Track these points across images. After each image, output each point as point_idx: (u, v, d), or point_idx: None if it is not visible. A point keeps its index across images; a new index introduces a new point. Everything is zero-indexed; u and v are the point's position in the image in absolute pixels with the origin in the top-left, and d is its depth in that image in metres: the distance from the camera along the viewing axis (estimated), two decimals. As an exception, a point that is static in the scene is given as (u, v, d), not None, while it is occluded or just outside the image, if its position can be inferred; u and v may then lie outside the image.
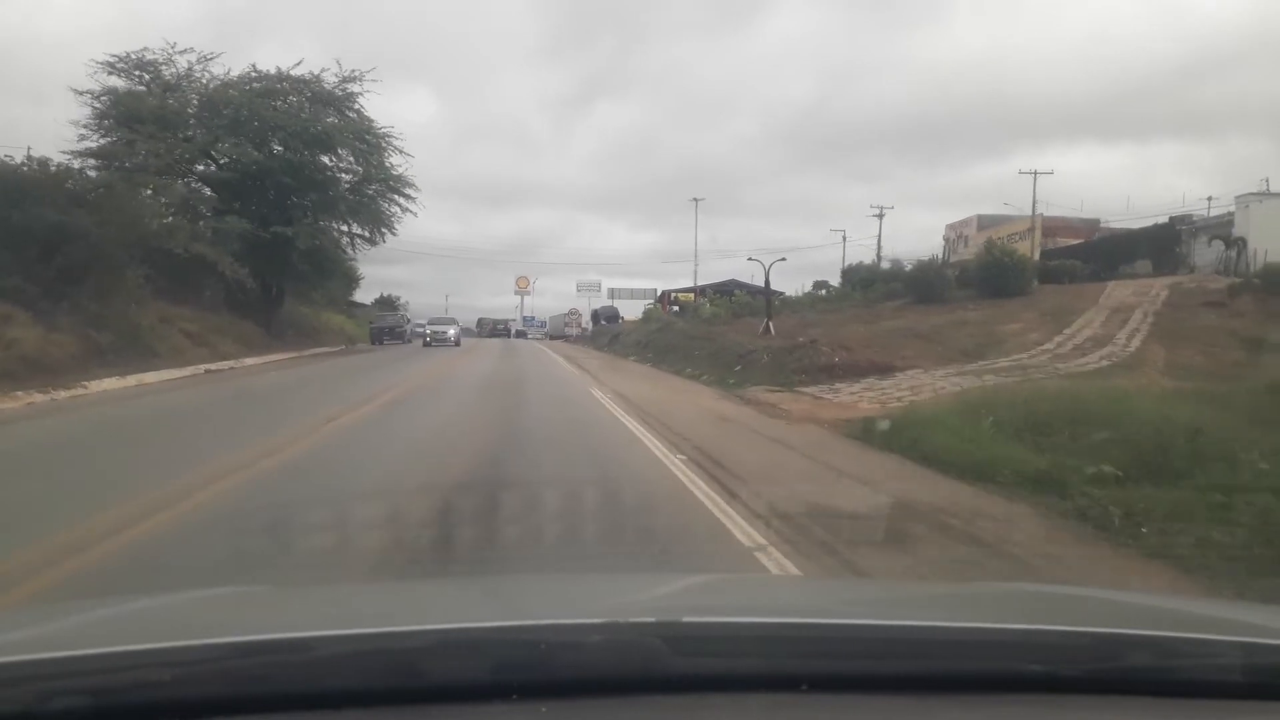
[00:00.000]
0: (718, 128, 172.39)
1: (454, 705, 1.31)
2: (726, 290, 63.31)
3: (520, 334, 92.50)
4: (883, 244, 69.23)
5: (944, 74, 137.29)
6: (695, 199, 74.21)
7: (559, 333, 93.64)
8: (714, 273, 71.21)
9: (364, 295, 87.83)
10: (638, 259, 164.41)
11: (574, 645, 1.40)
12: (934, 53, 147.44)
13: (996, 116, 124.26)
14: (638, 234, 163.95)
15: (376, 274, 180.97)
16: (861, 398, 14.66)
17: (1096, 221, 62.47)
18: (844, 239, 77.06)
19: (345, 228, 36.71)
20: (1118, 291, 33.58)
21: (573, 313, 77.30)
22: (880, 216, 77.11)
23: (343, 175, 35.82)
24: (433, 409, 14.14)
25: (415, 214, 37.40)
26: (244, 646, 1.38)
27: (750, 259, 36.20)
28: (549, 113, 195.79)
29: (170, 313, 25.49)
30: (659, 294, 75.41)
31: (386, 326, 46.96)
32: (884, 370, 17.16)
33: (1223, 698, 1.44)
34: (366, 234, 37.14)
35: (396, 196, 36.73)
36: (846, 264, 71.07)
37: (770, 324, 29.95)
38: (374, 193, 36.18)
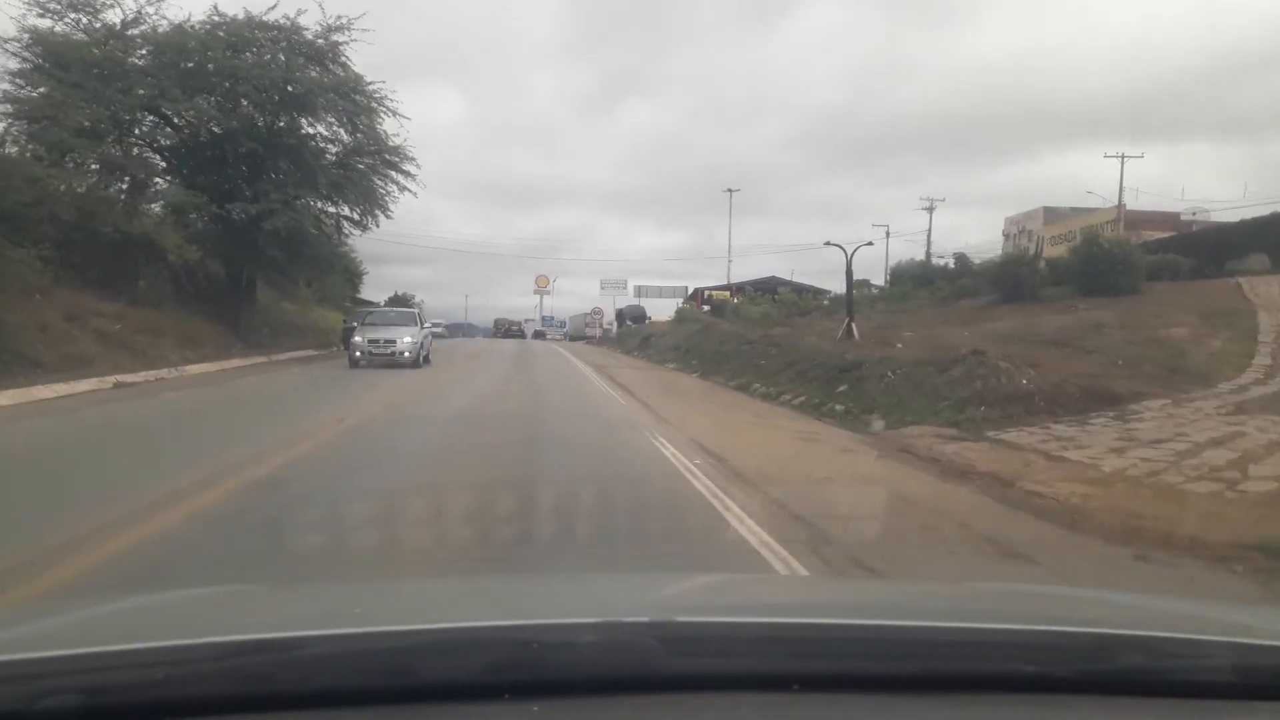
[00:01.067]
0: (744, 128, 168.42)
1: (446, 704, 1.30)
2: (767, 287, 57.13)
3: (539, 334, 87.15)
4: (914, 241, 63.06)
5: (973, 74, 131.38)
6: (730, 190, 67.92)
7: (579, 333, 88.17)
8: (739, 274, 65.18)
9: (377, 293, 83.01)
10: (661, 260, 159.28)
11: (567, 645, 1.39)
12: (963, 53, 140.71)
13: (1028, 116, 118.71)
14: (661, 235, 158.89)
15: (397, 274, 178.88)
16: (1148, 463, 8.42)
17: (1176, 215, 56.28)
18: (887, 234, 70.73)
19: (332, 208, 30.82)
20: (1264, 289, 27.60)
21: (595, 312, 71.19)
22: (930, 210, 71.29)
23: (327, 145, 29.94)
24: (354, 496, 7.06)
25: (415, 193, 31.44)
26: (237, 646, 1.35)
27: (828, 244, 30.12)
28: (574, 112, 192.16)
29: (86, 307, 19.69)
30: (689, 292, 69.21)
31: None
32: (1109, 401, 10.96)
33: (1214, 698, 1.43)
34: (356, 215, 31.23)
35: (392, 172, 30.83)
36: (895, 262, 65.39)
37: (853, 325, 23.79)
38: (365, 167, 30.29)
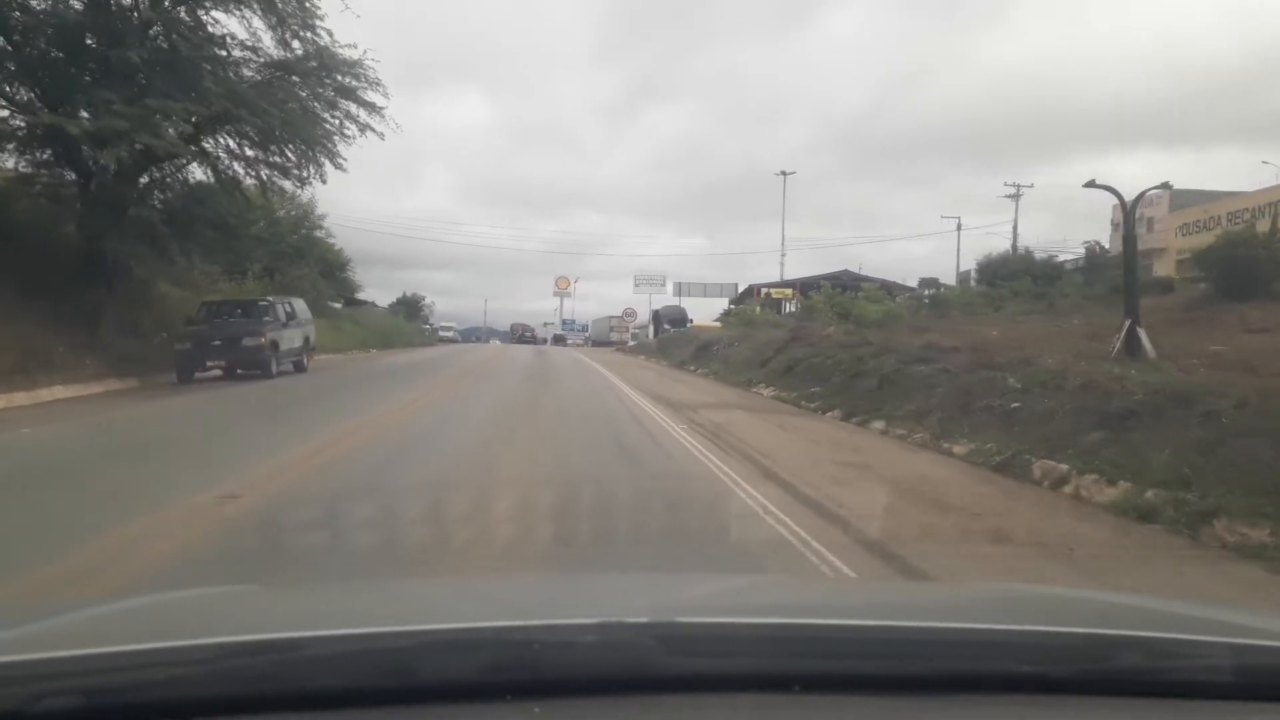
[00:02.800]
0: (769, 132, 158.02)
1: (447, 705, 1.29)
2: (840, 282, 46.25)
3: (559, 339, 77.99)
4: (988, 236, 52.65)
5: (1000, 77, 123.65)
6: (782, 173, 57.02)
7: (603, 339, 78.62)
8: (756, 277, 54.82)
9: (385, 295, 74.01)
10: (690, 264, 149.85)
11: (567, 645, 1.38)
12: (991, 55, 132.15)
13: (1055, 121, 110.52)
14: (687, 239, 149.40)
15: (416, 278, 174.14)
16: None
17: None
18: (959, 227, 59.71)
19: (250, 150, 20.33)
20: None
21: (627, 314, 60.35)
22: (1016, 196, 60.55)
23: (246, 55, 19.48)
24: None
25: (381, 135, 20.88)
26: (237, 646, 1.35)
27: (1092, 184, 18.71)
28: (599, 116, 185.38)
29: None
30: (738, 291, 58.41)
31: (211, 339, 19.24)
32: None
33: (1213, 699, 1.42)
34: (295, 162, 20.71)
35: (347, 102, 20.40)
36: (982, 257, 55.15)
37: (1140, 331, 13.04)
38: (304, 92, 19.88)
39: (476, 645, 1.38)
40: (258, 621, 1.70)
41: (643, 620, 1.49)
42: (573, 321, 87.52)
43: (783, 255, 57.63)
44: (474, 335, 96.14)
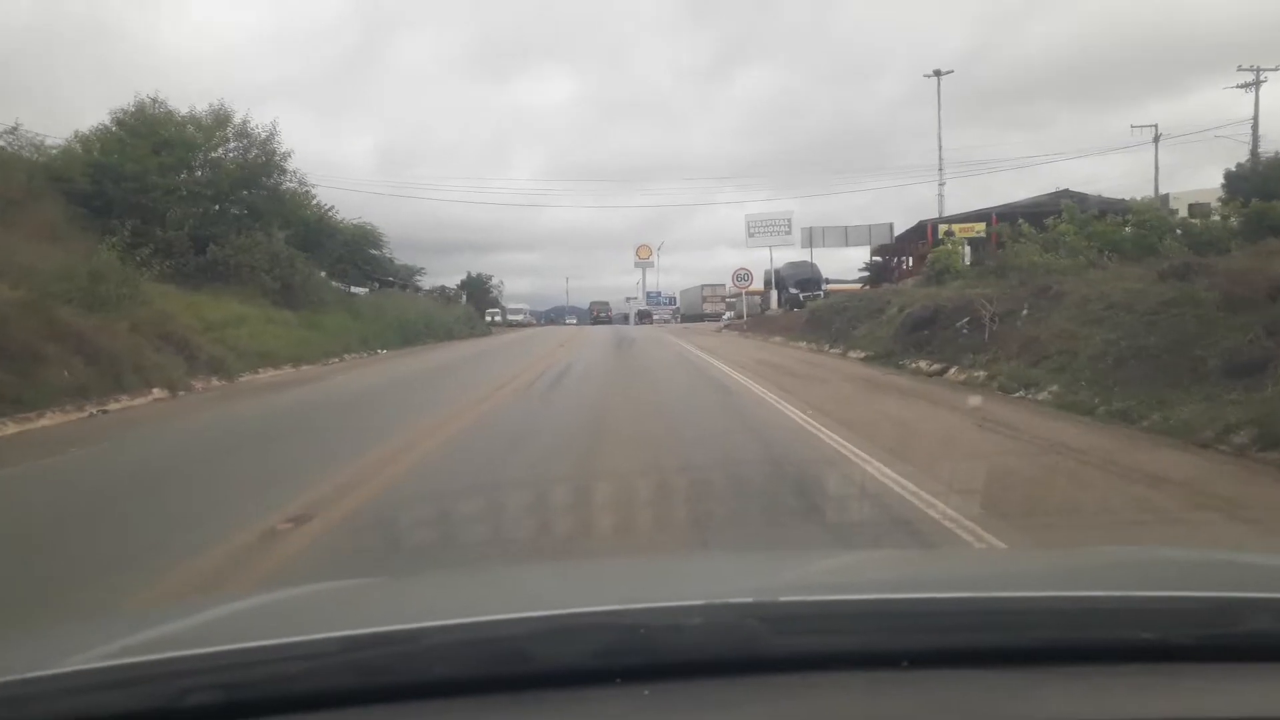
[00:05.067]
0: (863, 86, 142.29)
1: (560, 690, 1.30)
2: (1055, 207, 30.32)
3: (643, 316, 64.88)
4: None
5: (1108, 7, 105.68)
6: (937, 72, 41.24)
7: (696, 312, 64.94)
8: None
9: (452, 277, 63.32)
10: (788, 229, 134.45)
11: (673, 628, 1.37)
12: None
13: (1169, 49, 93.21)
14: (775, 205, 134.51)
15: (501, 260, 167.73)
16: None
17: None
18: (1156, 138, 42.64)
19: None
20: None
21: (742, 275, 44.99)
22: (1257, 84, 43.62)
23: None
24: None
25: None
26: (361, 639, 1.38)
27: None
28: (683, 83, 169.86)
29: None
30: (893, 235, 42.86)
31: None
32: None
33: None
34: None
35: None
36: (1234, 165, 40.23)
37: None
38: None
39: (586, 631, 1.38)
40: (380, 614, 1.74)
41: (747, 600, 1.48)
42: (658, 294, 75.36)
43: (941, 184, 41.81)
44: (554, 316, 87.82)
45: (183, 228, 23.19)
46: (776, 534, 5.27)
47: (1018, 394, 11.55)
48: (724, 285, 65.10)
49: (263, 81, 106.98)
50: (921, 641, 1.35)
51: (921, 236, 37.75)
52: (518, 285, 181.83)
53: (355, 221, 41.12)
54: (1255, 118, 43.91)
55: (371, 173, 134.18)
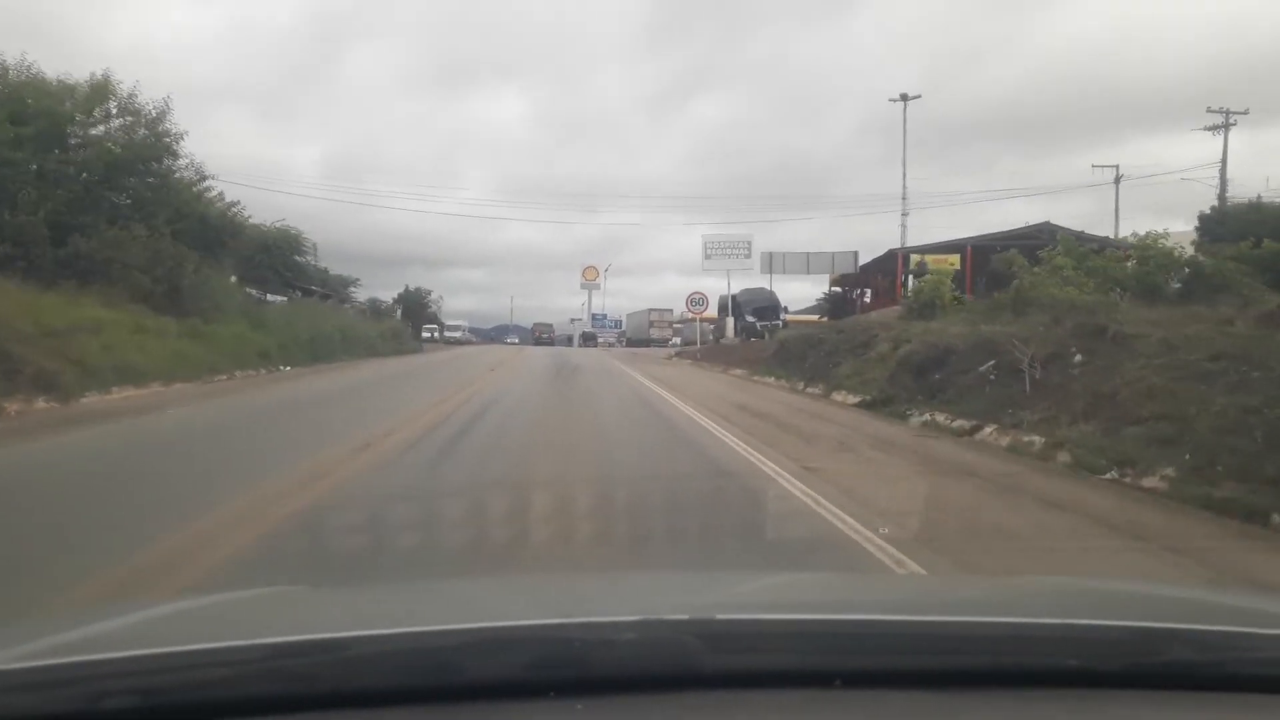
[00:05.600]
0: (812, 121, 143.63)
1: (491, 703, 1.28)
2: (1041, 242, 27.91)
3: (588, 339, 63.36)
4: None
5: (1053, 57, 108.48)
6: (903, 96, 38.92)
7: (642, 337, 63.46)
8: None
9: (388, 291, 60.17)
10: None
11: (608, 643, 1.34)
12: (1040, 37, 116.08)
13: (1108, 103, 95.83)
14: (729, 229, 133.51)
15: (449, 276, 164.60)
16: None
17: None
18: (1117, 178, 41.12)
19: None
20: None
21: (697, 299, 41.57)
22: (1226, 127, 42.63)
23: None
24: None
25: None
26: (285, 647, 1.34)
27: None
28: (635, 110, 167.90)
29: None
30: (856, 264, 40.13)
31: None
32: None
33: (1264, 692, 1.37)
34: None
35: None
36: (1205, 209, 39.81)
37: None
38: None
39: (519, 643, 1.36)
40: (306, 622, 1.69)
41: (683, 617, 1.46)
42: (604, 317, 73.62)
43: (904, 214, 39.32)
44: (495, 335, 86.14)
45: (37, 213, 19.13)
46: None
47: (1108, 474, 8.43)
48: (672, 310, 63.45)
49: (214, 85, 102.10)
50: (855, 662, 1.35)
51: (888, 266, 35.05)
52: (464, 302, 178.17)
53: (278, 225, 37.21)
54: (1224, 161, 42.70)
55: (319, 181, 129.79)
